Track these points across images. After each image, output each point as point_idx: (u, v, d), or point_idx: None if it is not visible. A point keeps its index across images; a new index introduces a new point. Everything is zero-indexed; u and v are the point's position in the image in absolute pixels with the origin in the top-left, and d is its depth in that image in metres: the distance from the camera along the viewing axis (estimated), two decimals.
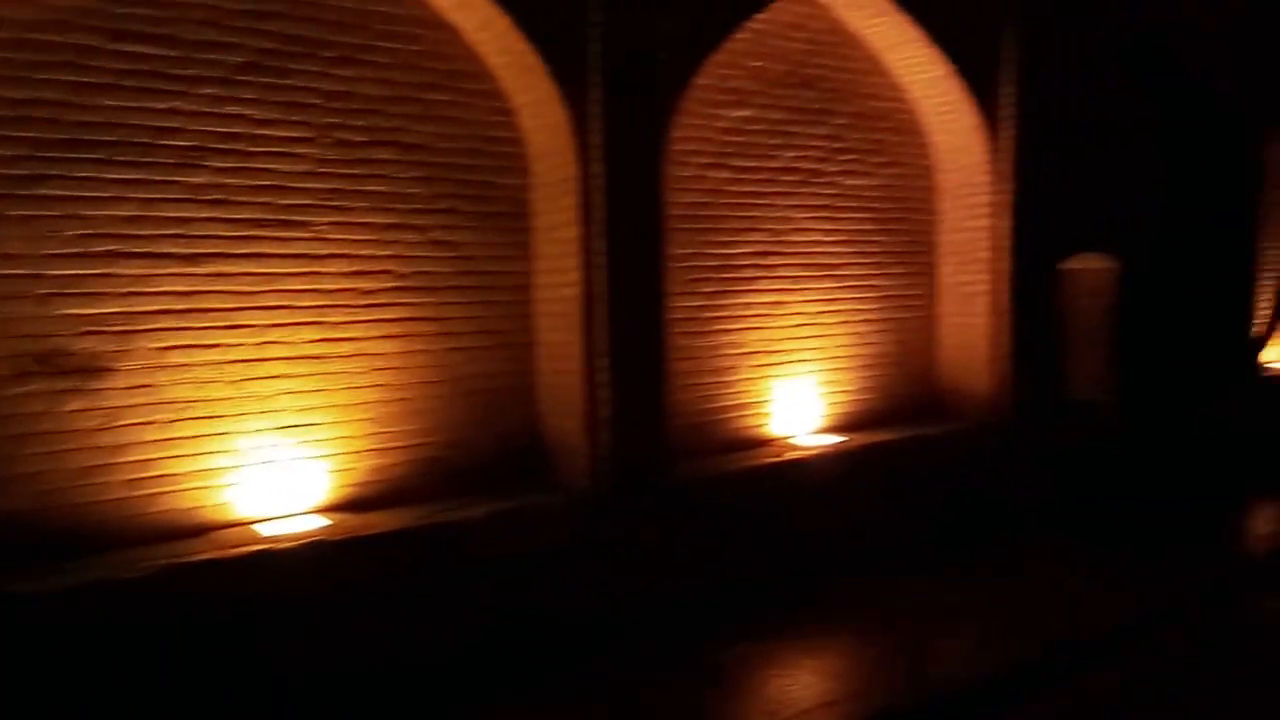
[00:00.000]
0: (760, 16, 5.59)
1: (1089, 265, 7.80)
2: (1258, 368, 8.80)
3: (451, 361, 4.90)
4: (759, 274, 5.99)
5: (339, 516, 4.45)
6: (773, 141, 5.96)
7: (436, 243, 4.81)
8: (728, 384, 5.91)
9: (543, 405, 5.18)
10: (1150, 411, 7.94)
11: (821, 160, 6.20)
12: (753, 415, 6.04)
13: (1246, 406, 8.47)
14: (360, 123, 4.55)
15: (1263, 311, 9.12)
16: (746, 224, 5.91)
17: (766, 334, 6.06)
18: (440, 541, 4.44)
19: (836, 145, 6.28)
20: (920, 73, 6.34)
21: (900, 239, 6.77)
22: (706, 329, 5.77)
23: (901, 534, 6.10)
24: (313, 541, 4.10)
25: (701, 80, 5.41)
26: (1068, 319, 7.70)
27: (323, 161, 4.46)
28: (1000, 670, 4.39)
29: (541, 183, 5.02)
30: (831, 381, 6.42)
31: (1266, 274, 9.39)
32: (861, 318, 6.60)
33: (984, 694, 4.22)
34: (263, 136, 4.32)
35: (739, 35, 5.55)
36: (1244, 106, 8.22)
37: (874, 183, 6.52)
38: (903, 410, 6.79)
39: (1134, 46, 7.64)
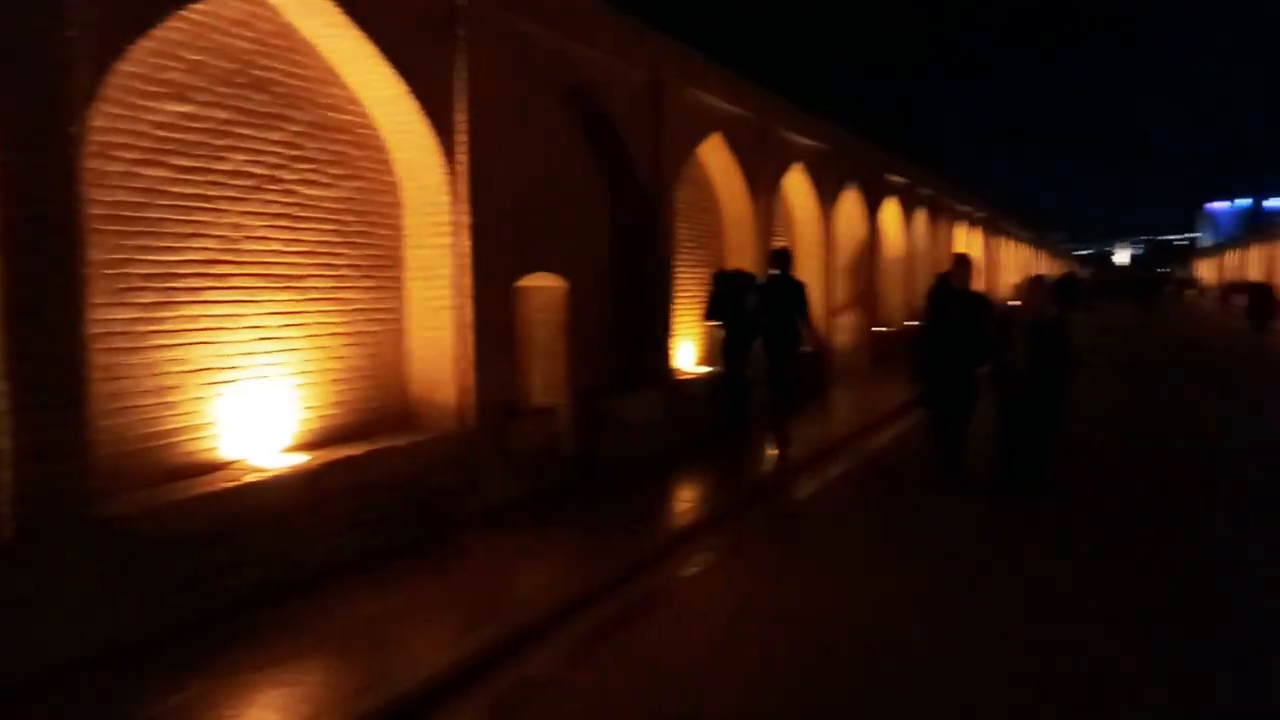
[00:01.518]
0: (198, 7, 5.20)
1: (543, 284, 8.62)
2: (671, 372, 10.47)
3: None
4: (209, 284, 5.55)
5: None
6: (220, 142, 5.57)
7: None
8: (174, 404, 5.36)
9: None
10: (596, 413, 9.01)
11: (277, 167, 5.95)
12: (206, 437, 5.56)
13: (667, 403, 10.04)
14: None
15: (688, 321, 10.98)
16: (192, 229, 5.43)
17: (220, 349, 5.63)
18: None
19: (294, 153, 6.08)
20: (377, 89, 6.43)
21: (366, 253, 6.78)
22: (144, 344, 5.17)
23: (372, 546, 6.08)
24: None
25: (129, 67, 4.87)
26: (526, 333, 8.41)
27: None
28: (468, 657, 4.60)
29: None
30: (298, 398, 6.19)
31: (681, 295, 11.30)
32: (329, 331, 6.48)
33: (451, 684, 4.39)
34: None
35: (174, 24, 5.11)
36: (652, 153, 9.75)
37: (336, 194, 6.45)
38: (375, 423, 6.80)
39: (573, 94, 8.65)
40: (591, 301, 9.36)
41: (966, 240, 29.42)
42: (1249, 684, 4.53)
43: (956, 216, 27.25)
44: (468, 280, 6.97)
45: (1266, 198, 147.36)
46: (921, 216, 22.55)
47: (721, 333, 11.08)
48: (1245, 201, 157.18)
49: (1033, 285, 8.75)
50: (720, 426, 10.98)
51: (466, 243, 6.93)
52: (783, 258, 10.15)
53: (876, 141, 17.80)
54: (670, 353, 10.39)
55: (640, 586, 5.97)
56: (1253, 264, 49.79)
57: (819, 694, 4.43)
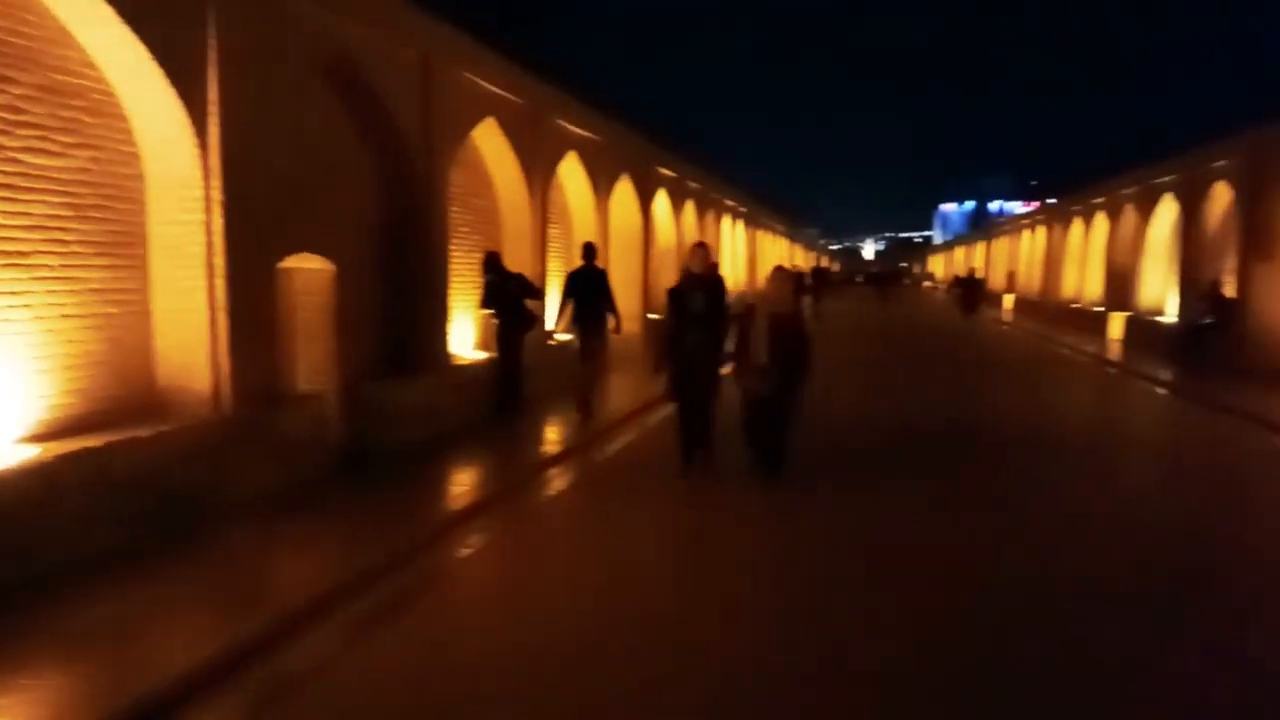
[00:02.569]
0: None
1: (308, 266, 8.32)
2: (447, 357, 10.43)
3: None
4: None
5: None
6: None
7: None
8: None
9: None
10: (366, 399, 8.83)
11: None
12: None
13: (442, 389, 10.00)
14: None
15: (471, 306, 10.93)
16: None
17: None
18: None
19: (17, 118, 5.54)
20: (116, 54, 5.97)
21: (104, 228, 6.29)
22: None
23: (121, 542, 5.68)
24: None
25: None
26: (290, 316, 8.09)
27: None
28: (225, 651, 4.44)
29: None
30: (24, 386, 5.65)
31: (458, 280, 11.25)
32: (60, 313, 5.96)
33: (205, 680, 4.23)
34: None
35: None
36: (424, 134, 9.65)
37: (68, 164, 5.93)
38: (118, 412, 6.34)
39: (337, 70, 8.38)
40: (361, 284, 9.13)
41: (731, 232, 31.09)
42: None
43: (722, 210, 28.72)
44: (221, 260, 6.62)
45: (989, 200, 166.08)
46: (690, 208, 23.60)
47: (497, 321, 11.19)
48: (972, 203, 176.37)
49: (775, 277, 8.54)
50: (495, 411, 11.08)
51: (219, 220, 6.57)
52: (590, 251, 11.66)
53: (647, 135, 18.44)
54: (445, 338, 10.34)
55: (412, 571, 5.98)
56: (975, 259, 56.03)
57: (587, 665, 4.67)
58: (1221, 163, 18.14)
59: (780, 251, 46.87)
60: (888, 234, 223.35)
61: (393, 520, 6.78)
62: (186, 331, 6.65)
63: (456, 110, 10.30)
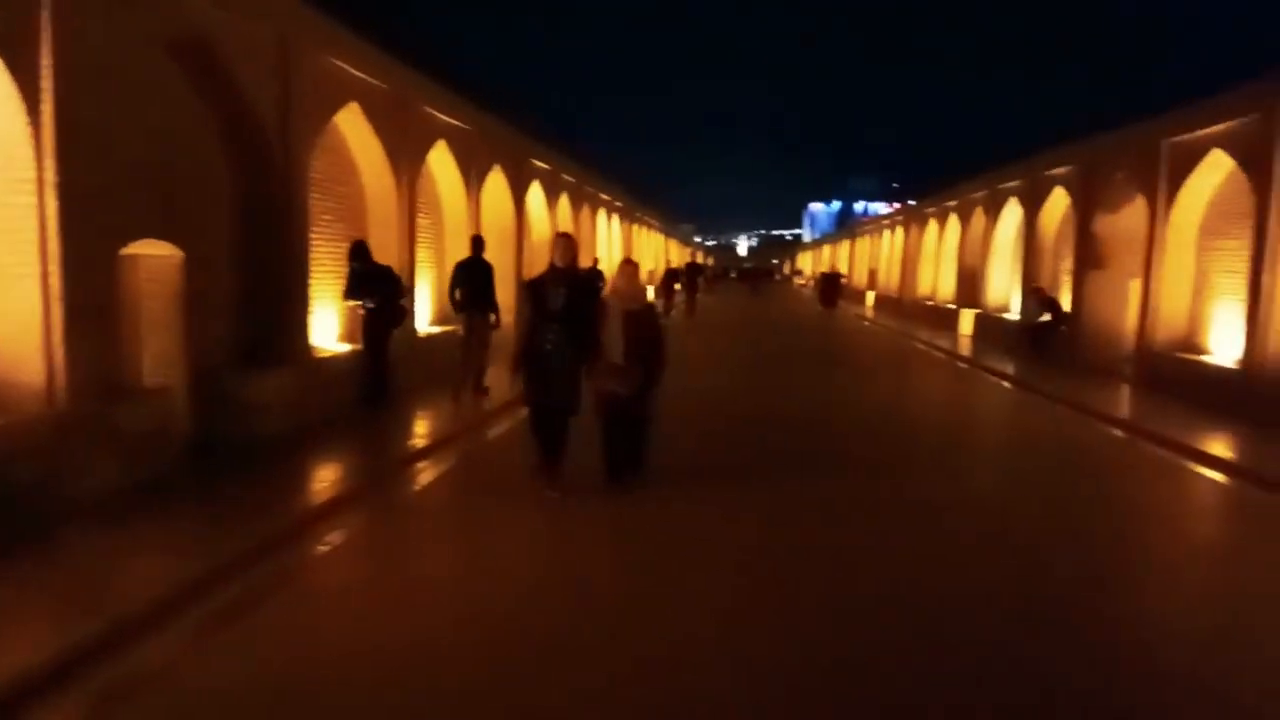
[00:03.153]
0: None
1: (154, 252, 7.91)
2: (308, 349, 10.10)
3: None
4: None
5: None
6: None
7: None
8: None
9: None
10: (220, 392, 8.48)
11: None
12: None
13: (303, 382, 9.68)
14: None
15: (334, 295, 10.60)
16: None
17: None
18: None
19: None
20: None
21: None
22: None
23: None
24: None
25: None
26: (135, 305, 7.67)
27: None
28: (60, 655, 4.22)
29: None
30: None
31: (320, 269, 10.91)
32: None
33: (37, 685, 4.01)
34: None
35: None
36: (282, 118, 9.31)
37: None
38: None
39: (189, 48, 7.98)
40: (214, 272, 8.75)
41: (607, 227, 31.25)
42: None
43: (598, 204, 28.82)
44: (55, 245, 6.21)
45: (855, 200, 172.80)
46: (565, 202, 23.59)
47: (363, 312, 10.91)
48: (839, 203, 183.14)
49: (626, 272, 7.92)
50: (361, 405, 10.82)
51: (54, 203, 6.17)
52: (478, 243, 12.01)
53: (520, 126, 18.33)
54: (307, 328, 10.01)
55: (266, 568, 5.80)
56: (841, 256, 58.18)
57: (442, 663, 4.65)
58: (1060, 170, 19.46)
59: (656, 246, 47.41)
60: (761, 231, 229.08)
61: (244, 517, 6.54)
62: (16, 321, 6.22)
63: (317, 94, 9.97)
